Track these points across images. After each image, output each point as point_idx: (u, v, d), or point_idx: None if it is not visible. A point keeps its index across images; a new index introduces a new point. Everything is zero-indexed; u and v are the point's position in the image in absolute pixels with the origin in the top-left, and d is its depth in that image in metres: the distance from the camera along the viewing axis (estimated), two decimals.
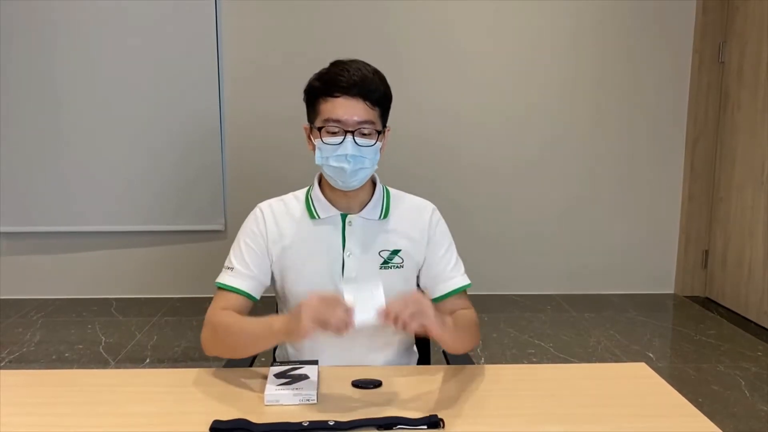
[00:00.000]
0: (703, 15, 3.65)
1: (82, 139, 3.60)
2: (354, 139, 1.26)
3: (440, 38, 3.65)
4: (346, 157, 1.26)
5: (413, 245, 1.39)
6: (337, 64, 1.29)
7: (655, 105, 3.76)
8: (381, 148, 1.33)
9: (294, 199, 1.41)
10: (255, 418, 1.07)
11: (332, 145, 1.27)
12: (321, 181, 1.40)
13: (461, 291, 1.41)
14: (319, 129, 1.28)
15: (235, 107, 3.66)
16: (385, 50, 3.59)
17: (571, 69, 3.71)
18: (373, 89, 1.28)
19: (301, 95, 1.35)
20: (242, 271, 1.35)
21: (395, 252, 1.38)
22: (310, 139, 1.34)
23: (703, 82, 3.71)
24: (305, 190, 1.42)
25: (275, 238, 1.36)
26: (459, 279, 1.41)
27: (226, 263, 1.37)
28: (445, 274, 1.40)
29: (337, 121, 1.26)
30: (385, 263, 1.37)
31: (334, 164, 1.27)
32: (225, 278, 1.35)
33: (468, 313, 1.39)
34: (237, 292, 1.33)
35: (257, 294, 1.37)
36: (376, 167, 1.33)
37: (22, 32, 3.48)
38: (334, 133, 1.27)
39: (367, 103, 1.27)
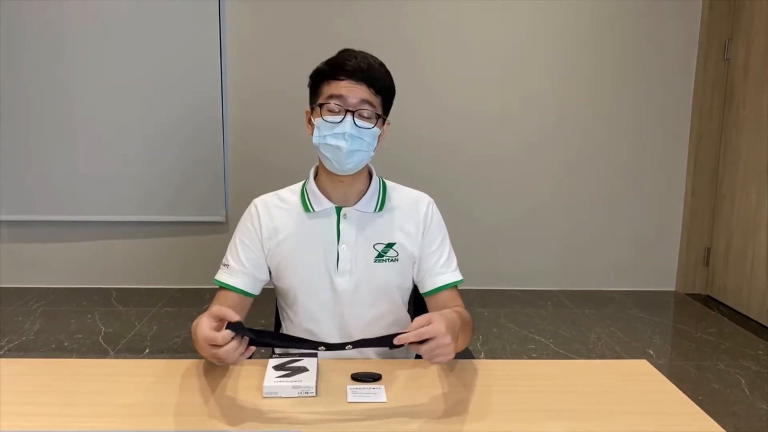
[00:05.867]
0: (710, 12, 3.63)
1: (83, 129, 3.60)
2: (354, 119, 1.26)
3: (441, 34, 3.63)
4: (344, 136, 1.26)
5: (408, 238, 1.38)
6: (345, 51, 1.31)
7: (659, 101, 3.75)
8: (380, 137, 1.33)
9: (289, 193, 1.42)
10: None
11: (331, 123, 1.26)
12: (317, 174, 1.40)
13: (451, 287, 1.40)
14: (321, 106, 1.28)
15: (238, 98, 3.65)
16: (387, 47, 3.58)
17: (576, 64, 3.70)
18: (378, 77, 1.29)
19: (304, 85, 1.35)
20: (237, 268, 1.36)
21: (390, 245, 1.37)
22: (310, 123, 1.33)
23: (708, 78, 3.69)
24: (301, 183, 1.43)
25: (270, 234, 1.37)
26: (449, 275, 1.40)
27: (223, 260, 1.39)
28: (435, 269, 1.39)
29: (339, 97, 1.26)
30: (380, 256, 1.36)
31: (332, 142, 1.27)
32: (221, 276, 1.37)
33: (464, 313, 1.35)
34: (232, 290, 1.36)
35: (254, 290, 1.38)
36: (372, 155, 1.33)
37: (28, 25, 3.47)
38: (334, 112, 1.27)
39: (371, 90, 1.28)
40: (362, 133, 1.27)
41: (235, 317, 1.04)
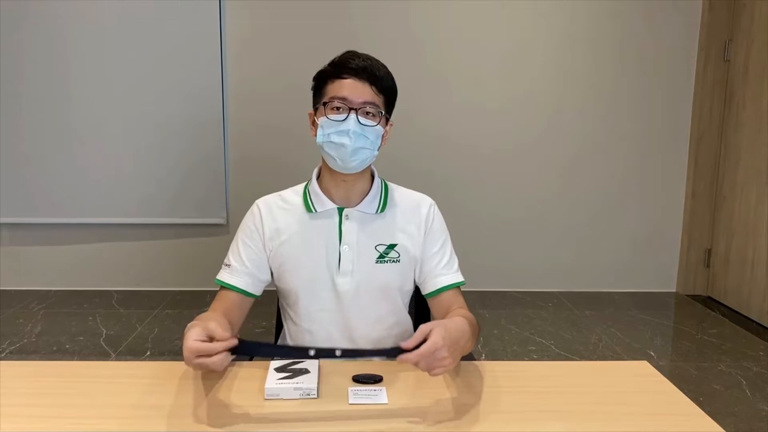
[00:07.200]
0: (710, 13, 3.63)
1: (83, 131, 3.60)
2: (357, 117, 1.27)
3: (440, 34, 3.64)
4: (348, 133, 1.26)
5: (410, 240, 1.39)
6: (349, 52, 1.32)
7: (659, 102, 3.75)
8: (383, 136, 1.33)
9: (292, 194, 1.42)
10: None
11: (335, 121, 1.27)
12: (320, 175, 1.40)
13: (454, 288, 1.40)
14: (324, 104, 1.29)
15: (238, 98, 3.65)
16: (387, 46, 3.59)
17: (576, 65, 3.70)
18: (381, 77, 1.30)
19: (306, 85, 1.36)
20: (239, 268, 1.37)
21: (392, 246, 1.37)
22: (314, 124, 1.33)
23: (708, 80, 3.69)
24: (303, 184, 1.43)
25: (272, 234, 1.37)
26: (451, 276, 1.40)
27: (225, 260, 1.39)
28: (437, 270, 1.40)
29: (343, 99, 1.27)
30: (381, 257, 1.37)
31: (336, 140, 1.27)
32: (222, 275, 1.38)
33: (470, 316, 1.33)
34: (233, 289, 1.36)
35: (255, 290, 1.38)
36: (376, 153, 1.33)
37: (28, 25, 3.47)
38: (338, 110, 1.28)
39: (374, 88, 1.29)
40: (366, 131, 1.28)
41: (224, 336, 1.05)
